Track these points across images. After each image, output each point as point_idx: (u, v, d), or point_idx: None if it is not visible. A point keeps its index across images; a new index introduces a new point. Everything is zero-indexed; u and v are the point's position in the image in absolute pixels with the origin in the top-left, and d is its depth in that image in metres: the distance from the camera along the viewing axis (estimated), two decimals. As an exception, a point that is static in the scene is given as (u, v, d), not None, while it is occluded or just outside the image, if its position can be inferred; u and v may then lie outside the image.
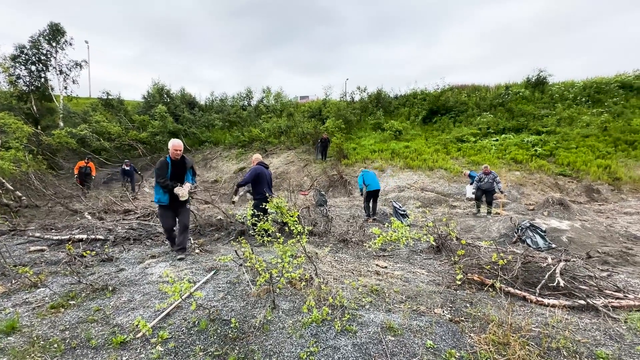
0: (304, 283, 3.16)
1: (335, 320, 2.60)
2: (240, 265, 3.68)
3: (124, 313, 2.73)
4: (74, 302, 2.96)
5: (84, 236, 5.01)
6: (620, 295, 3.16)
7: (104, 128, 16.76)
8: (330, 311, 2.72)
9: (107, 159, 16.22)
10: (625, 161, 11.60)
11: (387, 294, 3.24)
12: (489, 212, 7.97)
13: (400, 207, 7.43)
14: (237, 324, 2.52)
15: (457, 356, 2.22)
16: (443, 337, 2.46)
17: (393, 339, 2.41)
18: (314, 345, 2.28)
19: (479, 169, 10.44)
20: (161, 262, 4.03)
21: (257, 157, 5.51)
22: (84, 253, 3.94)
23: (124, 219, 6.61)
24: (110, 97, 20.60)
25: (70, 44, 19.74)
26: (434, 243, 4.42)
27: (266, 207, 3.34)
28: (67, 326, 2.54)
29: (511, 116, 15.88)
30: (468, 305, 3.02)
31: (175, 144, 3.99)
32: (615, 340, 2.43)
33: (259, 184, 5.16)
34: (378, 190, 7.61)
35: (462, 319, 2.75)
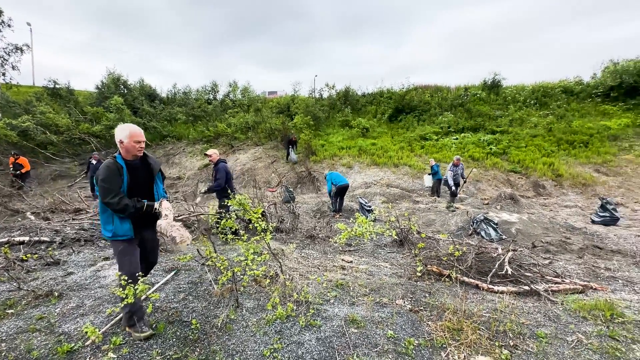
0: (268, 280, 3.13)
1: (300, 316, 2.61)
2: (203, 264, 3.56)
3: (72, 320, 2.54)
4: (12, 310, 2.69)
5: (26, 238, 4.55)
6: (559, 280, 3.49)
7: (50, 120, 15.30)
8: (295, 307, 2.73)
9: (55, 154, 14.85)
10: (567, 159, 12.80)
11: (351, 288, 3.31)
12: (449, 207, 8.39)
13: (366, 202, 7.60)
14: (198, 325, 2.44)
15: (415, 344, 2.32)
16: (403, 327, 2.56)
17: (356, 331, 2.47)
18: (278, 342, 2.28)
19: (438, 162, 10.99)
20: (115, 265, 3.78)
21: (215, 152, 5.31)
22: (25, 256, 3.58)
23: (73, 219, 6.10)
24: (57, 86, 18.84)
25: (9, 26, 17.71)
26: (396, 237, 4.59)
27: (229, 205, 3.25)
28: (4, 338, 2.30)
29: (469, 116, 16.83)
30: (427, 295, 3.17)
31: (135, 133, 2.29)
32: (553, 320, 2.69)
33: (227, 182, 5.11)
34: (347, 186, 7.76)
35: (421, 308, 2.88)
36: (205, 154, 5.39)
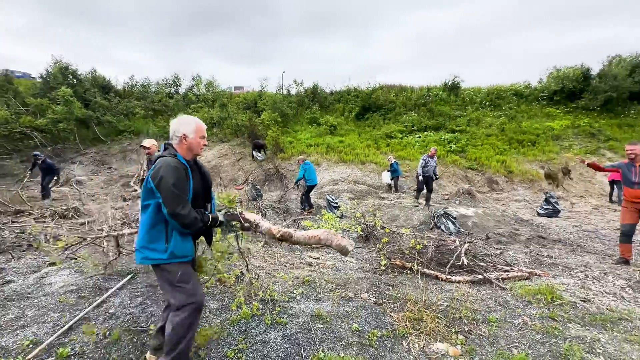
0: (233, 280, 3.06)
1: (266, 314, 2.59)
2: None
3: (11, 333, 2.30)
4: None
5: (-46, 244, 4.04)
6: (508, 268, 3.79)
7: (-17, 111, 13.67)
8: (260, 306, 2.69)
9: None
10: (517, 157, 13.88)
11: (318, 284, 3.33)
12: (416, 204, 8.45)
13: (333, 199, 7.69)
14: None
15: (378, 335, 2.40)
16: (367, 319, 2.63)
17: (322, 326, 2.50)
18: (243, 342, 2.24)
19: (396, 159, 11.37)
20: (63, 270, 3.48)
21: (154, 143, 4.55)
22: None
23: (13, 222, 5.52)
24: (-8, 73, 16.87)
25: None
26: (361, 233, 4.69)
27: None
28: None
29: (432, 116, 17.63)
30: (390, 287, 3.29)
31: (202, 127, 1.90)
32: (502, 306, 2.91)
33: None
34: (315, 185, 7.78)
35: (385, 300, 2.98)
36: (142, 146, 4.60)
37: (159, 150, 3.81)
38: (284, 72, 32.42)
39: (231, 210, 2.08)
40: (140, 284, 3.12)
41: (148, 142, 4.57)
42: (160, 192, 1.66)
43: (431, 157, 8.32)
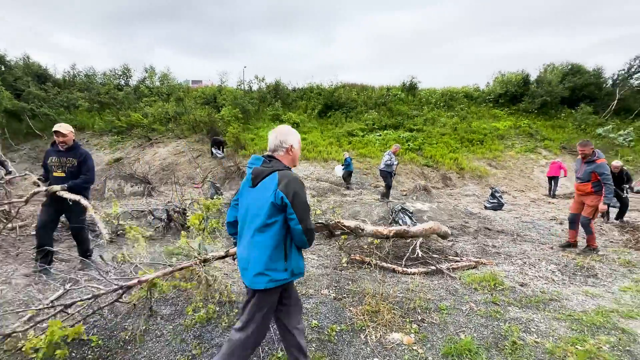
0: (189, 284, 2.92)
1: (223, 317, 2.50)
2: (107, 272, 3.14)
3: None
4: None
5: None
6: (458, 259, 4.05)
7: None
8: (217, 308, 2.60)
9: None
10: (467, 155, 14.90)
11: (278, 283, 3.30)
12: (389, 201, 8.51)
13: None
14: (100, 342, 2.14)
15: (337, 330, 2.44)
16: (327, 315, 2.66)
17: (281, 325, 2.47)
18: (197, 347, 2.15)
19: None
20: (-13, 281, 3.08)
21: (70, 130, 3.48)
22: None
23: None
24: None
25: None
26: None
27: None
28: None
29: (391, 115, 18.27)
30: (350, 282, 3.36)
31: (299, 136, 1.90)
32: (452, 294, 3.11)
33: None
34: None
35: (344, 295, 3.04)
36: (56, 131, 3.37)
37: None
38: (245, 67, 31.52)
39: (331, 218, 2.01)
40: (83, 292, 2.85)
41: (65, 128, 3.40)
42: (296, 209, 1.56)
43: (395, 153, 8.66)
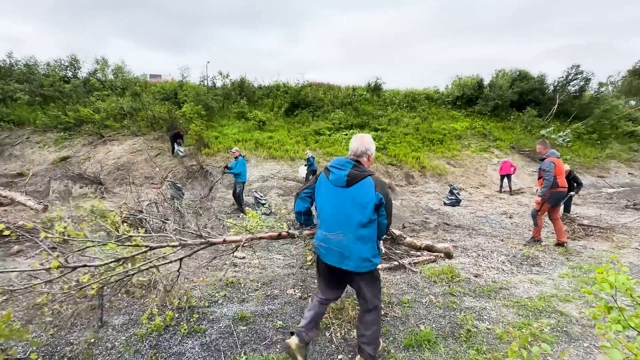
0: (143, 290, 2.75)
1: (182, 323, 2.39)
2: (48, 281, 2.86)
3: None
4: None
5: None
6: (419, 254, 4.23)
7: None
8: (176, 315, 2.48)
9: None
10: (428, 154, 15.63)
11: (242, 285, 3.22)
12: None
13: (261, 196, 7.54)
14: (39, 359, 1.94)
15: (302, 329, 2.43)
16: (292, 315, 2.65)
17: (245, 328, 2.41)
18: (153, 358, 2.02)
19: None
20: None
21: None
22: None
23: None
24: None
25: None
26: (286, 228, 4.70)
27: None
28: None
29: (357, 114, 18.63)
30: (316, 281, 3.36)
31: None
32: (413, 287, 3.24)
33: None
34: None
35: (310, 294, 3.04)
36: None
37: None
38: (208, 62, 30.28)
39: None
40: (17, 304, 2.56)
41: None
42: (387, 208, 1.94)
43: None
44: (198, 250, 2.53)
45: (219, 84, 20.07)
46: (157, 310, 2.48)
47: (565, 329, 2.49)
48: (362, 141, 2.01)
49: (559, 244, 4.80)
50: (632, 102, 22.44)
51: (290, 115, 18.46)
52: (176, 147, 12.63)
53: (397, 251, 4.14)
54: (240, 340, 2.26)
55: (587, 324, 2.55)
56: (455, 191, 9.12)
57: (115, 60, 19.40)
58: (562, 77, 20.86)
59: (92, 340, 2.16)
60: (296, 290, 3.13)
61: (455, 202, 8.94)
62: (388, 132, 17.07)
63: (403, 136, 16.76)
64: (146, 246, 2.31)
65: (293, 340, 1.92)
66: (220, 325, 2.41)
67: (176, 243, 2.37)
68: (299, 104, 18.91)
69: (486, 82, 21.15)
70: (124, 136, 13.94)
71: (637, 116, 20.62)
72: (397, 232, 2.66)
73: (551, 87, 21.14)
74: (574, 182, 7.09)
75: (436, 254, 4.16)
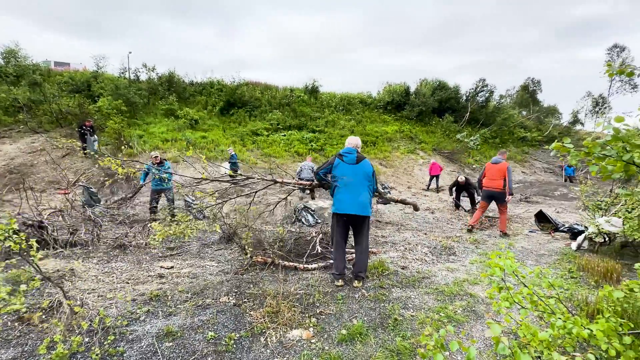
0: (40, 314, 2.34)
1: (93, 348, 2.09)
2: None
3: None
4: None
5: None
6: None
7: None
8: (85, 339, 2.16)
9: None
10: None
11: (170, 297, 2.97)
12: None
13: (193, 200, 7.05)
14: None
15: (236, 337, 2.34)
16: (225, 324, 2.53)
17: (171, 344, 2.23)
18: (55, 393, 1.73)
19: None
20: None
21: None
22: None
23: None
24: None
25: None
26: (219, 231, 4.51)
27: None
28: None
29: (295, 115, 18.72)
30: (251, 286, 3.27)
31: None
32: (347, 284, 3.37)
33: None
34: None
35: (245, 300, 2.94)
36: None
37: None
38: (130, 52, 26.89)
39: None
40: None
41: None
42: (374, 177, 3.44)
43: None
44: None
45: (143, 77, 18.17)
46: (60, 336, 2.14)
47: (473, 308, 2.85)
48: (357, 140, 3.59)
49: (470, 230, 5.98)
50: (524, 112, 26.92)
51: (226, 114, 17.69)
52: (89, 141, 11.02)
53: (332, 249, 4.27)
54: (165, 358, 2.07)
55: (489, 302, 2.96)
56: (386, 189, 9.78)
57: (6, 43, 16.10)
58: (472, 88, 23.99)
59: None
60: (230, 298, 3.00)
61: (387, 201, 9.59)
62: (325, 133, 17.53)
63: (339, 138, 17.37)
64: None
65: (339, 283, 3.25)
66: (142, 344, 2.19)
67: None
68: (235, 102, 18.21)
69: (412, 89, 23.16)
70: (18, 133, 11.73)
71: (527, 124, 24.81)
72: (381, 191, 4.08)
73: (464, 97, 24.13)
74: (471, 188, 8.26)
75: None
